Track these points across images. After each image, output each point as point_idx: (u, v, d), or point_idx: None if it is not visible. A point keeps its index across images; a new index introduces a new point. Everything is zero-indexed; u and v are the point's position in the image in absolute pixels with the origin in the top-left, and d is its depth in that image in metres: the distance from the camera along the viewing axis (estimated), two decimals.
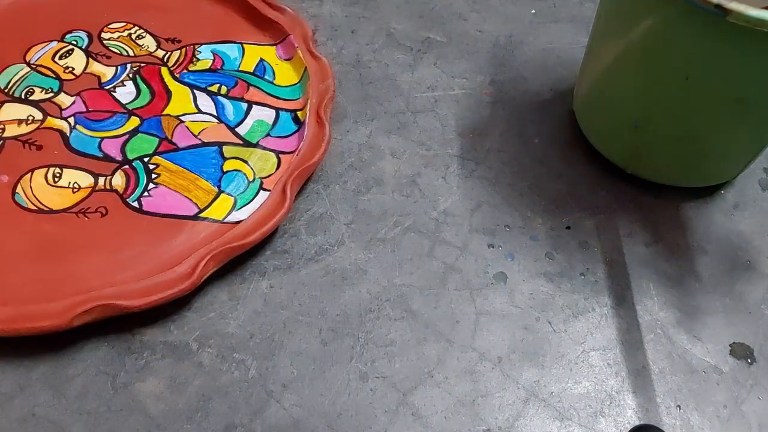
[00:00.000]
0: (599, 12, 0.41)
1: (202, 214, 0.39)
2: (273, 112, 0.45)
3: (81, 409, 0.33)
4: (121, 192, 0.40)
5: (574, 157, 0.44)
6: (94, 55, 0.47)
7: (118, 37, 0.48)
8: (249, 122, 0.44)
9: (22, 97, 0.44)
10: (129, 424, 0.33)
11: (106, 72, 0.46)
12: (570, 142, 0.45)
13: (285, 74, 0.47)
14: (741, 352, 0.37)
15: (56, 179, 0.41)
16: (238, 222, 0.39)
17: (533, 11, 0.52)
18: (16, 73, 0.46)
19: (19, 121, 0.43)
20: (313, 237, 0.40)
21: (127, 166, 0.41)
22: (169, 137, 0.43)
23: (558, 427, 0.34)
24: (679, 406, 0.35)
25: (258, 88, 0.46)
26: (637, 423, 0.34)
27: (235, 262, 0.38)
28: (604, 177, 0.43)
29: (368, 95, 0.46)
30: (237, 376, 0.34)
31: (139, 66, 0.47)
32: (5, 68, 0.46)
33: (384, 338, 0.36)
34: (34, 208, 0.39)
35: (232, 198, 0.40)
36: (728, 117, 0.37)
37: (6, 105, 0.44)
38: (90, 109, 0.44)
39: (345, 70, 0.48)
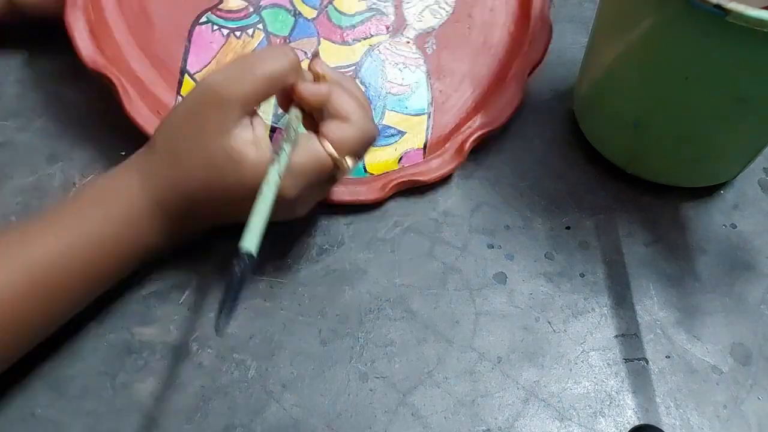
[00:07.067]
0: (599, 12, 0.41)
1: None
2: None
3: (81, 409, 0.33)
4: None
5: (574, 157, 0.44)
6: None
7: None
8: None
9: None
10: (129, 424, 0.33)
11: None
12: (570, 142, 0.45)
13: None
14: (741, 352, 0.37)
15: None
16: None
17: None
18: None
19: None
20: (313, 237, 0.40)
21: None
22: None
23: (558, 427, 0.34)
24: (679, 406, 0.35)
25: None
26: (637, 423, 0.34)
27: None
28: (604, 177, 0.43)
29: None
30: (237, 376, 0.34)
31: None
32: None
33: (384, 338, 0.36)
34: None
35: None
36: (728, 117, 0.37)
37: None
38: None
39: None
